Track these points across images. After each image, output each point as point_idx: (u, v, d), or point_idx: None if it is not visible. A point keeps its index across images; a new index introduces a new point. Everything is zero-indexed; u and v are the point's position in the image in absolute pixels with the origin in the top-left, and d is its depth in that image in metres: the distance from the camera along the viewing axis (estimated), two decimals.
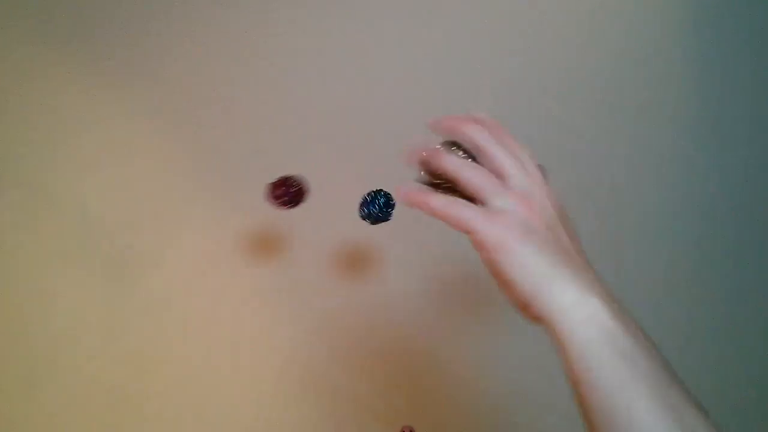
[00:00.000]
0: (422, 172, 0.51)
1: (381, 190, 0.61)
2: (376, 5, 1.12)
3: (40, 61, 1.06)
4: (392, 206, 0.60)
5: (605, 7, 1.15)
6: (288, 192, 0.73)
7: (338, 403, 1.08)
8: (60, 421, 1.03)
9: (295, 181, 0.74)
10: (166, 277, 1.07)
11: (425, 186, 0.51)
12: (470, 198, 0.47)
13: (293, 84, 1.10)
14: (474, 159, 0.49)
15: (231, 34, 1.09)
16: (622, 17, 1.15)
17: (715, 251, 1.16)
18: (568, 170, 1.14)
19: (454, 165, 0.47)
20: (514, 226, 0.43)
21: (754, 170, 1.17)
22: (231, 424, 1.07)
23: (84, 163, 1.07)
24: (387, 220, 0.60)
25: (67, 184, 1.06)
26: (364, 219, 0.61)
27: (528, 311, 0.42)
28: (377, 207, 0.60)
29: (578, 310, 0.39)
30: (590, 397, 0.38)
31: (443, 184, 0.50)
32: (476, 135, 0.48)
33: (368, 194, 0.61)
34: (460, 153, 0.49)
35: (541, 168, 0.50)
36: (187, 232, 1.08)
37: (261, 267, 1.10)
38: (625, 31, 1.15)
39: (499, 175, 0.47)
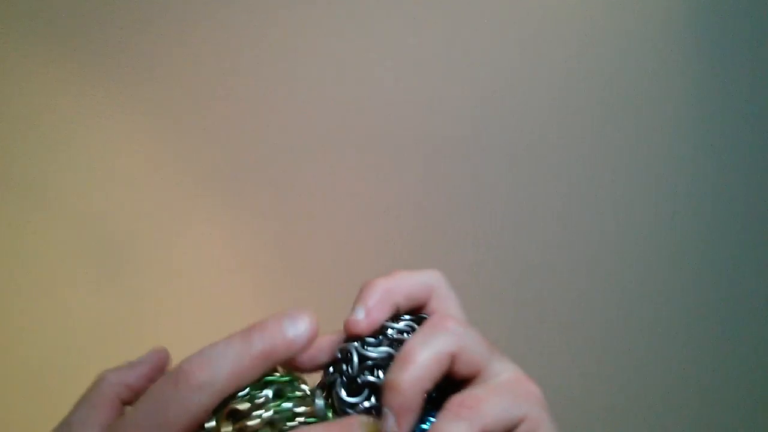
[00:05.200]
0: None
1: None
2: (380, 6, 1.13)
3: (40, 61, 1.06)
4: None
5: (605, 7, 1.15)
6: None
7: None
8: (58, 421, 1.03)
9: None
10: (167, 277, 1.07)
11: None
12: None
13: (295, 83, 1.11)
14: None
15: (233, 33, 1.10)
16: (622, 17, 1.15)
17: (716, 252, 1.17)
18: (568, 170, 1.14)
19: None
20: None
21: (754, 170, 1.17)
22: None
23: (84, 163, 1.07)
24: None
25: (67, 184, 1.06)
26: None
27: None
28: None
29: None
30: None
31: None
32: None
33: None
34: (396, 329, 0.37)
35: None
36: (188, 232, 1.08)
37: (262, 267, 1.10)
38: (625, 31, 1.15)
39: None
